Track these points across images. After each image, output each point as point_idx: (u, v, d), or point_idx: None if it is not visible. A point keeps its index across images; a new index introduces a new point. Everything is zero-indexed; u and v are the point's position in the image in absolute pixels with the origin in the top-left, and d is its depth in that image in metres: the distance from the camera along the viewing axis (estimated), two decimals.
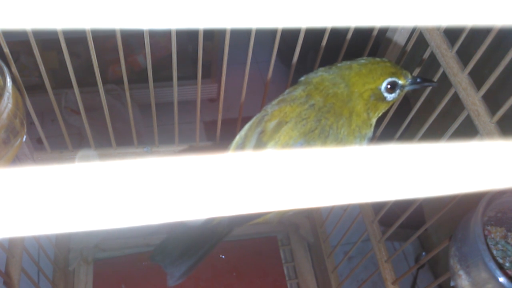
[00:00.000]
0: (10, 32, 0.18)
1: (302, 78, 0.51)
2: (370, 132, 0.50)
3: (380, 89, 0.48)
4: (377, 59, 0.49)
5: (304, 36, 0.61)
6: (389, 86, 0.48)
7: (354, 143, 0.48)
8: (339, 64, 0.50)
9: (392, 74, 0.48)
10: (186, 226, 0.58)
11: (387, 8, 0.12)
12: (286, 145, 0.48)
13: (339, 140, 0.48)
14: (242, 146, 0.52)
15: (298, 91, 0.50)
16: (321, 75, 0.49)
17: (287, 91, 0.52)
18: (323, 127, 0.47)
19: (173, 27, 0.12)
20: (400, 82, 0.48)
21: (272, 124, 0.49)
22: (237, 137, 0.53)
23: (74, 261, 0.83)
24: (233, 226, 0.56)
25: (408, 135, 0.70)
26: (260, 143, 0.50)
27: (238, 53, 1.00)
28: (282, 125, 0.48)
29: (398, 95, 0.49)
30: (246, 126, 0.53)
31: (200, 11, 0.11)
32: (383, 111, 0.50)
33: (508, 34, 0.82)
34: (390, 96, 0.49)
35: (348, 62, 0.49)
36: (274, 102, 0.51)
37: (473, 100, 0.51)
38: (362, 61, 0.49)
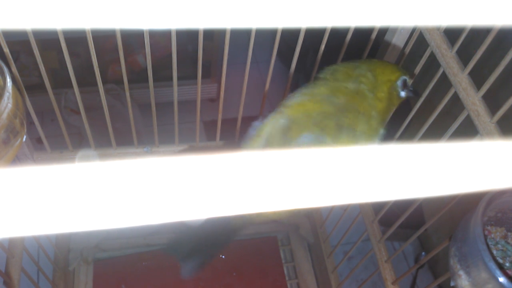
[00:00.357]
0: (10, 32, 0.18)
1: (324, 74, 0.52)
2: (384, 123, 0.51)
3: (397, 83, 0.51)
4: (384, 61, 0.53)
5: (304, 36, 0.61)
6: (402, 83, 0.51)
7: (371, 139, 0.49)
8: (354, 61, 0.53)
9: (404, 73, 0.52)
10: (200, 222, 0.58)
11: (387, 8, 0.12)
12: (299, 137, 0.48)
13: (355, 136, 0.48)
14: (266, 141, 0.51)
15: (320, 87, 0.50)
16: (344, 67, 0.51)
17: (307, 86, 0.52)
18: (341, 126, 0.48)
19: (173, 27, 0.12)
20: (408, 83, 0.52)
21: (294, 119, 0.49)
22: (259, 134, 0.52)
23: (74, 261, 0.83)
24: (246, 222, 0.57)
25: (408, 135, 0.70)
26: (285, 140, 0.49)
27: (238, 53, 1.00)
28: (304, 119, 0.49)
29: (405, 95, 0.52)
30: (267, 123, 0.52)
31: (200, 11, 0.11)
32: (393, 109, 0.52)
33: (508, 34, 0.82)
34: (402, 93, 0.52)
35: (362, 60, 0.53)
36: (296, 99, 0.50)
37: (473, 100, 0.51)
38: (375, 60, 0.53)
